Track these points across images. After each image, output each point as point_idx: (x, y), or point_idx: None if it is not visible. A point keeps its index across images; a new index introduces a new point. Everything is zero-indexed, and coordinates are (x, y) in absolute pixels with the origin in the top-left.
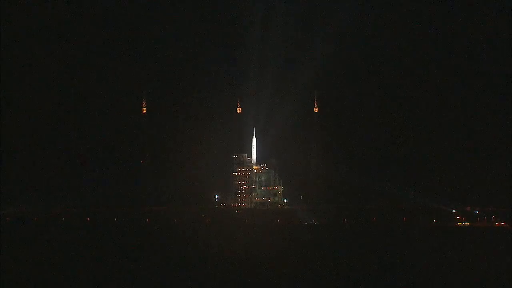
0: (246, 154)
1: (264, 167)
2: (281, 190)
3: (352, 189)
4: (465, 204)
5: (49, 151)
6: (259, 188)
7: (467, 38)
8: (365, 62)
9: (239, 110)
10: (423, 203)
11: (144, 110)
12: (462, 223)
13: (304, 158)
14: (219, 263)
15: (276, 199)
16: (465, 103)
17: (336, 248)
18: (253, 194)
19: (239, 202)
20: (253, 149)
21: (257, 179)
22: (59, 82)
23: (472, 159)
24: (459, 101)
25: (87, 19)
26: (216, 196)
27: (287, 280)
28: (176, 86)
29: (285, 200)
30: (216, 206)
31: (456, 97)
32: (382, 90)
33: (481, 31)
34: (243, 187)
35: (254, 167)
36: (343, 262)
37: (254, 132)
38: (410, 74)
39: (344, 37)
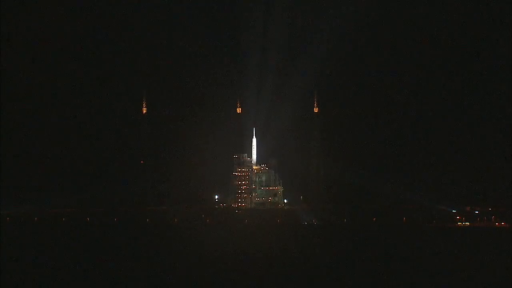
0: (246, 154)
1: (264, 167)
2: (281, 190)
3: (352, 189)
4: (465, 204)
5: (48, 151)
6: (259, 188)
7: (468, 38)
8: (365, 62)
9: (239, 110)
10: (423, 203)
11: (144, 110)
12: (462, 223)
13: (304, 158)
14: (219, 263)
15: (276, 199)
16: (465, 103)
17: (336, 248)
18: (253, 194)
19: (239, 202)
20: (253, 149)
21: (257, 179)
22: (59, 82)
23: (472, 159)
24: (459, 101)
25: (86, 19)
26: (216, 196)
27: (287, 280)
28: (176, 86)
29: (285, 200)
30: (216, 206)
31: (456, 97)
32: (382, 90)
33: (482, 31)
34: (243, 187)
35: (254, 167)
36: (342, 262)
37: (254, 132)
38: (410, 74)
39: (345, 37)
